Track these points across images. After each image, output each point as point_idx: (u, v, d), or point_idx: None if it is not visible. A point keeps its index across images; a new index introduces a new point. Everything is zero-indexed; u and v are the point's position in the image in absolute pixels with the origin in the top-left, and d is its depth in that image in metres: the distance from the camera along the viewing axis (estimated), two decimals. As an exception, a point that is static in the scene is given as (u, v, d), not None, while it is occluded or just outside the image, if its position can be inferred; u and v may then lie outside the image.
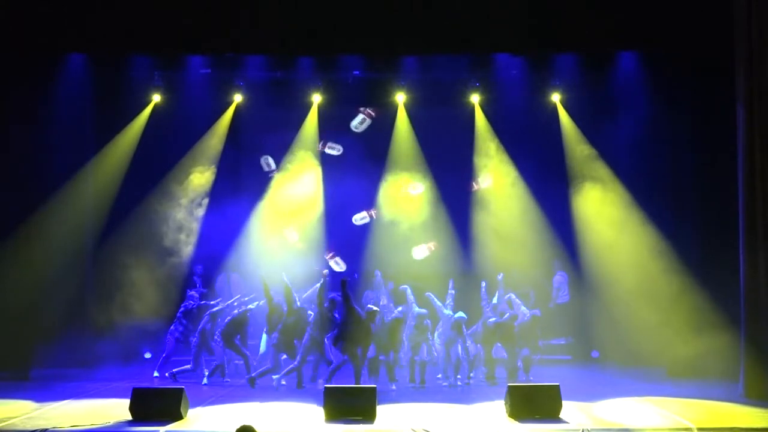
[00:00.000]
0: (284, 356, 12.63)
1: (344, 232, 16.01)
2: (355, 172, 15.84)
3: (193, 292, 13.73)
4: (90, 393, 11.85)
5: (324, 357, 12.53)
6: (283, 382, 12.40)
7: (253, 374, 12.50)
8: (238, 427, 6.73)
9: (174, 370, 12.93)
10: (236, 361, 13.39)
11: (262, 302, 13.19)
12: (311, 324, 12.42)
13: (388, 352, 12.38)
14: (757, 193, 11.58)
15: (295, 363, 12.32)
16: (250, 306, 13.20)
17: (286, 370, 12.43)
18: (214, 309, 13.16)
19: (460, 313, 12.76)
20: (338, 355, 12.36)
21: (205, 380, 12.83)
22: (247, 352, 13.00)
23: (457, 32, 12.99)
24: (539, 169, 15.36)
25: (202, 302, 13.38)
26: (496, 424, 9.83)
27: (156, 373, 13.24)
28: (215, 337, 12.85)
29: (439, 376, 12.84)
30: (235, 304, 13.31)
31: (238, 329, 12.92)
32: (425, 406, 10.97)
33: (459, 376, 12.63)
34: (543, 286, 15.80)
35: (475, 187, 15.68)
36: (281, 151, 15.74)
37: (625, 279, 14.09)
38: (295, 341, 12.49)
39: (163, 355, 13.31)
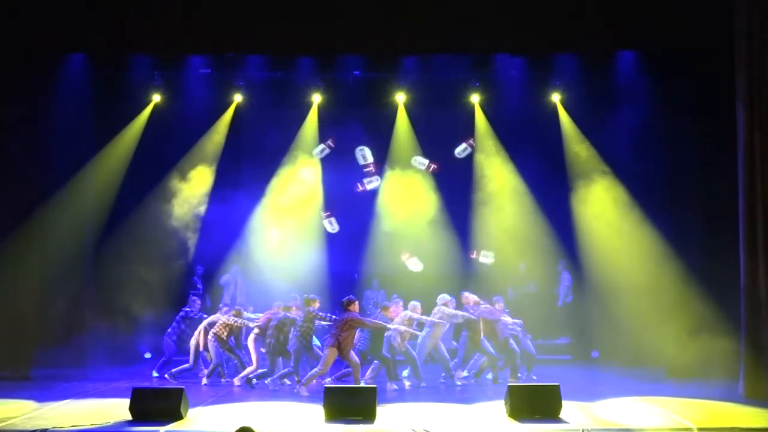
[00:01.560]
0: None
1: (344, 233, 16.03)
2: (355, 171, 15.89)
3: (195, 298, 13.72)
4: (90, 393, 11.84)
5: (314, 358, 12.42)
6: (288, 382, 12.45)
7: (250, 375, 12.49)
8: (237, 428, 6.71)
9: (173, 370, 12.93)
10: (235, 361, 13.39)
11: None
12: (297, 327, 12.37)
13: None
14: (757, 193, 11.57)
15: (289, 368, 12.36)
16: (250, 316, 13.18)
17: (280, 374, 12.46)
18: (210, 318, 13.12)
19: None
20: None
21: (204, 380, 12.82)
22: (241, 353, 12.99)
23: (457, 32, 12.99)
24: (539, 168, 15.36)
25: (204, 315, 13.31)
26: (496, 424, 9.82)
27: (155, 374, 13.25)
28: (210, 337, 12.81)
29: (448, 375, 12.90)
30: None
31: (232, 332, 12.89)
32: (425, 406, 10.97)
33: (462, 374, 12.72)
34: (547, 285, 15.85)
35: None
36: (281, 150, 15.76)
37: (625, 279, 14.11)
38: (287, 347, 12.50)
39: (163, 358, 13.32)
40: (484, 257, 15.27)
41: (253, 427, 6.78)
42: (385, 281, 15.89)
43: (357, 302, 12.03)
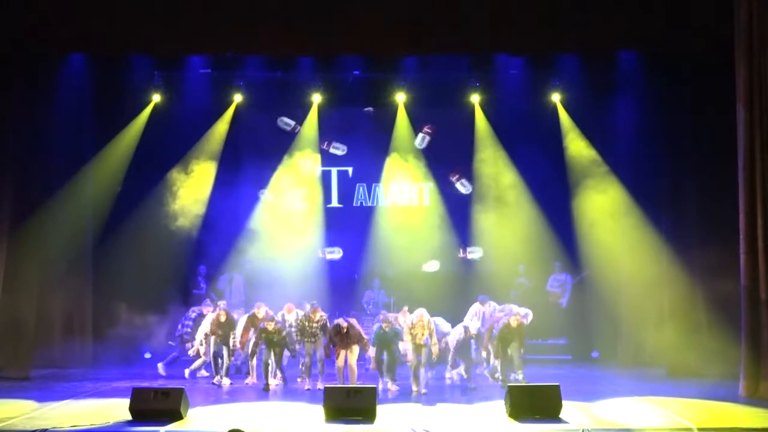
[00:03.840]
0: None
1: (344, 233, 16.04)
2: (355, 171, 15.90)
3: (208, 298, 13.73)
4: (90, 393, 11.84)
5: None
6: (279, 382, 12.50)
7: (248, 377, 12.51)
8: (228, 431, 6.68)
9: (191, 367, 12.98)
10: (235, 362, 13.38)
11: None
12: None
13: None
14: (757, 193, 11.57)
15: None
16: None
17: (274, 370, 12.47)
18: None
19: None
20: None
21: (217, 378, 12.75)
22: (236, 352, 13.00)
23: (457, 32, 12.98)
24: (539, 168, 15.36)
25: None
26: (496, 424, 9.83)
27: (162, 371, 13.20)
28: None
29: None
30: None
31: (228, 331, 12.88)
32: (425, 406, 10.97)
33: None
34: (544, 286, 15.84)
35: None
36: (281, 150, 15.76)
37: (625, 279, 14.11)
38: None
39: (174, 354, 13.40)
40: (471, 253, 15.46)
41: (253, 428, 6.77)
42: (385, 282, 15.88)
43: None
